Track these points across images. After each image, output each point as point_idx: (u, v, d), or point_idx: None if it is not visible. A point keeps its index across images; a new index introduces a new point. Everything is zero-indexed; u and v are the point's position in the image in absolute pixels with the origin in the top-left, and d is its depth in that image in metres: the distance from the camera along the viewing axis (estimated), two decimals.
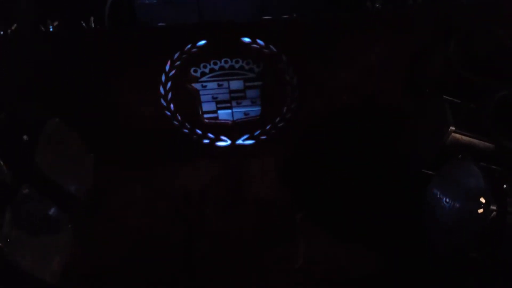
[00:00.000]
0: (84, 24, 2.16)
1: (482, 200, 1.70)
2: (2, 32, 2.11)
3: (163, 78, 2.16)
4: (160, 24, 2.22)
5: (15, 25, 2.13)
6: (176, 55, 2.12)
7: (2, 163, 1.93)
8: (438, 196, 1.91)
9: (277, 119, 2.31)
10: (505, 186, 1.75)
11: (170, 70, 2.15)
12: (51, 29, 2.15)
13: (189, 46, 2.12)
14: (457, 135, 1.93)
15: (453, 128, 1.91)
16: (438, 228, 1.90)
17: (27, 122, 2.04)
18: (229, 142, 2.34)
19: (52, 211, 2.03)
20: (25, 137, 2.00)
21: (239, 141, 2.34)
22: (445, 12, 2.20)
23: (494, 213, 1.69)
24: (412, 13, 2.25)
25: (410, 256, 2.01)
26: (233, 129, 2.32)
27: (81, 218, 2.14)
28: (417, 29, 2.21)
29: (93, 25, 2.17)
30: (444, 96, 2.05)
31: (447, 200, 1.88)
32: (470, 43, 2.17)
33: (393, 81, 2.29)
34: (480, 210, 1.70)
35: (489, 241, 1.75)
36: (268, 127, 2.32)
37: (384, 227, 2.09)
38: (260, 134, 2.33)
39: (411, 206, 2.01)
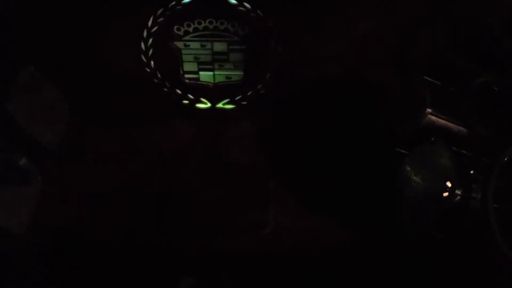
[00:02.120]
0: None
1: (448, 184, 1.76)
2: None
3: (145, 33, 2.09)
4: None
5: None
6: (159, 11, 2.04)
7: None
8: (409, 175, 1.96)
9: (259, 85, 2.28)
10: (472, 172, 1.80)
11: (152, 26, 2.07)
12: None
13: (173, 2, 2.04)
14: (433, 117, 1.95)
15: (430, 110, 1.93)
16: (406, 206, 1.96)
17: (1, 70, 1.97)
18: (209, 104, 2.32)
19: (22, 161, 2.00)
20: None
21: (219, 105, 2.32)
22: None
23: (459, 197, 1.75)
24: None
25: (380, 230, 2.06)
26: (213, 92, 2.29)
27: (52, 170, 2.12)
28: (406, 7, 2.18)
29: None
30: (425, 77, 2.05)
31: (417, 179, 1.93)
32: (457, 27, 2.16)
33: (379, 57, 2.28)
34: (445, 194, 1.75)
35: (452, 223, 1.82)
36: (249, 93, 2.29)
37: (357, 200, 2.14)
38: (241, 99, 2.30)
39: (384, 182, 2.06)
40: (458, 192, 1.75)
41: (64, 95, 2.20)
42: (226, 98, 2.30)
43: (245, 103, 2.31)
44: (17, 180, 2.00)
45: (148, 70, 2.17)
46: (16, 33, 2.11)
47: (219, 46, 2.16)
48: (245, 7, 2.09)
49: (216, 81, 2.27)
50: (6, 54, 2.06)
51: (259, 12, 2.11)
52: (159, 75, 2.20)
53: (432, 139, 1.92)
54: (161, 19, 2.06)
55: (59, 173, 2.16)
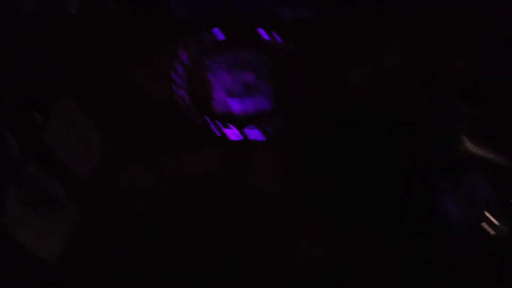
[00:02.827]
0: (104, 6, 2.16)
1: (488, 215, 1.68)
2: (24, 12, 2.12)
3: (177, 64, 2.15)
4: (179, 9, 2.21)
5: (37, 5, 2.13)
6: (192, 43, 2.11)
7: (10, 138, 1.95)
8: (445, 205, 1.89)
9: (288, 114, 2.29)
10: None
11: (184, 56, 2.13)
12: (70, 11, 2.15)
13: (205, 34, 2.11)
14: (470, 146, 1.89)
15: (466, 139, 1.88)
16: (443, 239, 1.88)
17: (39, 100, 2.06)
18: (237, 132, 2.33)
19: (56, 189, 2.05)
20: (35, 113, 2.02)
21: (248, 133, 2.33)
22: (469, 18, 2.14)
23: (500, 229, 1.66)
24: (435, 17, 2.20)
25: (414, 264, 1.98)
26: (242, 120, 2.31)
27: (85, 197, 2.16)
28: (439, 33, 2.15)
29: (113, 7, 2.16)
30: (460, 104, 2.00)
31: (454, 210, 1.86)
32: (493, 52, 2.11)
33: (409, 84, 2.24)
34: (486, 226, 1.68)
35: (493, 257, 1.73)
36: (277, 122, 2.30)
37: (391, 232, 2.06)
38: (269, 128, 2.31)
39: (418, 213, 1.99)
40: (499, 224, 1.66)
41: (97, 123, 2.26)
42: (254, 126, 2.32)
43: (273, 131, 2.31)
44: (51, 208, 2.04)
45: (179, 99, 2.22)
46: (51, 63, 2.20)
47: (249, 76, 2.20)
48: (274, 38, 2.13)
49: (244, 110, 2.29)
50: (42, 85, 2.15)
51: (288, 42, 2.15)
52: (189, 104, 2.24)
53: (469, 168, 1.86)
54: (193, 50, 2.12)
55: (90, 201, 2.20)
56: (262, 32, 2.14)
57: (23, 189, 1.91)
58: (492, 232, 1.67)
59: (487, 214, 1.69)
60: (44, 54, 2.17)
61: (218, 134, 2.30)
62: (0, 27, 2.13)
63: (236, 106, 2.27)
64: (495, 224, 1.67)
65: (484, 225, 1.69)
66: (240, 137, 2.32)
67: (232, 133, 2.32)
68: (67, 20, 2.24)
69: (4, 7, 2.12)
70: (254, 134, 2.32)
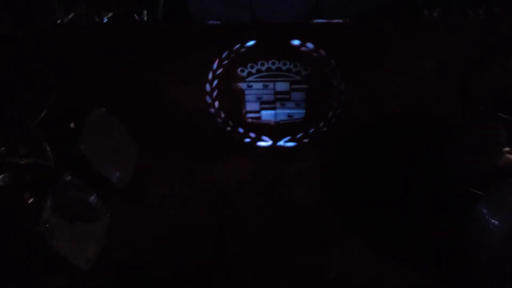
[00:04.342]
0: (137, 16, 2.20)
1: None
2: (60, 21, 2.17)
3: (210, 75, 2.17)
4: (211, 21, 2.23)
5: (72, 14, 2.18)
6: (224, 54, 2.12)
7: (47, 148, 1.99)
8: (486, 218, 1.83)
9: (321, 124, 2.27)
10: None
11: (217, 68, 2.15)
12: (105, 20, 2.19)
13: (238, 45, 2.12)
14: (510, 156, 1.84)
15: (507, 149, 1.83)
16: (484, 252, 1.82)
17: (75, 110, 2.09)
18: (270, 142, 2.32)
19: (91, 199, 2.07)
20: (71, 124, 2.06)
21: (281, 143, 2.32)
22: (506, 26, 2.09)
23: None
24: (471, 25, 2.16)
25: (451, 276, 1.93)
26: (275, 130, 2.30)
27: (119, 207, 2.18)
28: (475, 41, 2.11)
29: (145, 18, 2.20)
30: (499, 114, 1.96)
31: (496, 223, 1.80)
32: None
33: (445, 93, 2.20)
34: None
35: None
36: (311, 131, 2.28)
37: (425, 244, 2.02)
38: (302, 137, 2.30)
39: (455, 225, 1.94)
40: None
41: (132, 134, 2.28)
42: (287, 136, 2.30)
43: (306, 141, 2.30)
44: (86, 217, 2.07)
45: (212, 110, 2.23)
46: (89, 76, 2.25)
47: (281, 86, 2.20)
48: (307, 47, 2.12)
49: (277, 120, 2.28)
50: (78, 95, 2.20)
51: (321, 51, 2.13)
52: (223, 115, 2.25)
53: (510, 179, 1.80)
54: (225, 61, 2.14)
55: (125, 210, 2.22)
56: (295, 41, 2.13)
57: (59, 198, 1.94)
58: None
59: None
60: (80, 65, 2.21)
61: (251, 144, 2.30)
62: (35, 37, 2.18)
63: (269, 116, 2.27)
64: None
65: None
66: (273, 148, 2.31)
67: (265, 144, 2.32)
68: (102, 30, 2.29)
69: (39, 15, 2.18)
70: (288, 144, 2.31)
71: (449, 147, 2.17)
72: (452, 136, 2.17)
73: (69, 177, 1.98)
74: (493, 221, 1.80)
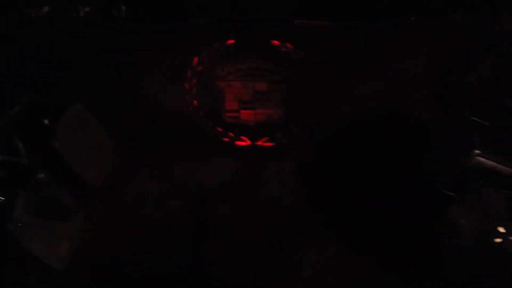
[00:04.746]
0: (115, 12, 2.16)
1: (501, 229, 1.67)
2: (33, 15, 2.11)
3: (189, 73, 2.15)
4: (191, 19, 2.20)
5: (47, 8, 2.13)
6: (204, 52, 2.11)
7: (21, 145, 1.94)
8: (457, 219, 1.88)
9: (299, 124, 2.28)
10: None
11: (197, 66, 2.13)
12: (82, 15, 2.14)
13: (218, 44, 2.10)
14: (482, 159, 1.89)
15: (478, 152, 1.87)
16: (454, 252, 1.87)
17: (49, 107, 2.05)
18: (248, 142, 2.33)
19: (66, 197, 2.03)
20: (46, 121, 2.01)
21: (259, 143, 2.32)
22: (482, 30, 2.15)
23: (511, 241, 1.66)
24: (448, 28, 2.20)
25: (424, 275, 1.97)
26: (254, 130, 2.30)
27: (94, 206, 2.15)
28: (452, 45, 2.16)
29: (124, 14, 2.16)
30: (473, 117, 2.00)
31: (466, 224, 1.85)
32: (506, 64, 2.12)
33: (421, 96, 2.25)
34: (498, 240, 1.67)
35: (505, 271, 1.72)
36: (289, 131, 2.30)
37: (401, 244, 2.05)
38: (280, 137, 2.31)
39: (428, 225, 1.99)
40: (509, 235, 1.66)
41: (109, 132, 2.25)
42: (266, 136, 2.31)
43: (284, 141, 2.31)
44: (60, 216, 2.03)
45: (191, 108, 2.22)
46: (63, 71, 2.20)
47: (261, 86, 2.20)
48: (287, 47, 2.13)
49: (256, 119, 2.28)
50: (55, 93, 2.14)
51: (300, 52, 2.14)
52: (201, 114, 2.24)
53: (482, 181, 1.85)
54: (205, 59, 2.12)
55: (101, 209, 2.18)
56: (274, 41, 2.14)
57: (32, 196, 1.89)
58: (503, 244, 1.66)
59: (498, 226, 1.67)
60: (56, 61, 2.16)
61: (230, 144, 2.30)
62: (9, 31, 2.12)
63: (248, 116, 2.27)
64: (504, 235, 1.66)
65: (495, 237, 1.67)
66: (252, 147, 2.31)
67: (244, 143, 2.32)
68: (79, 26, 2.24)
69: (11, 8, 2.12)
70: (266, 144, 2.32)
71: (424, 149, 2.21)
72: (427, 138, 2.21)
73: (43, 175, 1.94)
74: (463, 222, 1.85)
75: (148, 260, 2.09)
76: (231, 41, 2.11)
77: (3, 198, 1.83)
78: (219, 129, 2.28)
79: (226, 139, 2.30)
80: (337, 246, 2.12)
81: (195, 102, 2.21)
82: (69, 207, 2.06)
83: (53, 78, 2.16)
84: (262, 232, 2.16)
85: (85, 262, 2.05)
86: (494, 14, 2.19)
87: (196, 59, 2.11)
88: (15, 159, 1.95)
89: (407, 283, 2.00)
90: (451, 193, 1.98)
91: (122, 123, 2.25)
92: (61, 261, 1.98)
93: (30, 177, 1.91)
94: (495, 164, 1.88)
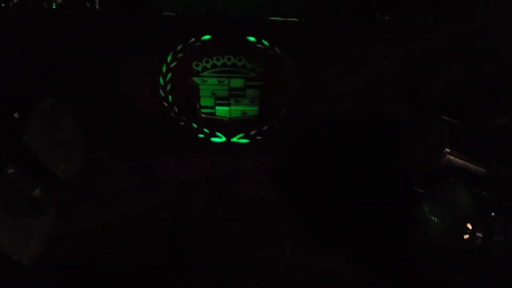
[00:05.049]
0: (88, 4, 2.12)
1: (469, 226, 1.71)
2: (3, 5, 2.06)
3: (164, 68, 2.13)
4: (166, 13, 2.18)
5: None
6: (179, 47, 2.09)
7: None
8: (427, 215, 1.92)
9: (274, 121, 2.30)
10: (493, 214, 1.76)
11: (171, 61, 2.12)
12: (54, 7, 2.10)
13: (193, 39, 2.09)
14: (452, 157, 1.93)
15: (448, 150, 1.91)
16: (424, 247, 1.90)
17: (20, 100, 2.00)
18: (224, 139, 2.32)
19: (36, 192, 2.00)
20: (15, 114, 1.97)
21: (234, 139, 2.32)
22: (454, 31, 2.19)
23: (480, 240, 1.69)
24: (420, 29, 2.23)
25: (396, 271, 2.00)
26: (229, 127, 2.30)
27: (65, 202, 2.11)
28: (424, 45, 2.19)
29: (97, 6, 2.13)
30: (443, 116, 2.04)
31: (436, 221, 1.89)
32: (476, 66, 2.16)
33: (395, 95, 2.28)
34: (466, 236, 1.70)
35: (473, 267, 1.76)
36: (264, 128, 2.30)
37: (373, 239, 2.09)
38: (255, 134, 2.31)
39: (400, 221, 2.02)
40: (479, 234, 1.69)
41: (81, 126, 2.21)
42: (241, 133, 2.31)
43: (260, 138, 2.31)
44: (30, 211, 1.99)
45: (166, 104, 2.20)
46: (37, 65, 2.15)
47: (236, 82, 2.20)
48: (263, 44, 2.13)
49: (232, 116, 2.28)
50: (25, 86, 2.10)
51: (276, 49, 2.15)
52: (176, 110, 2.23)
53: (451, 179, 1.89)
54: (180, 54, 2.11)
55: (73, 205, 2.15)
56: (250, 37, 2.13)
57: (2, 191, 1.85)
58: (470, 241, 1.70)
59: (466, 223, 1.71)
60: (26, 54, 2.11)
61: (204, 140, 2.29)
62: None
63: (223, 112, 2.26)
64: (473, 233, 1.69)
65: (462, 233, 1.71)
66: (227, 144, 2.31)
67: (219, 140, 2.31)
68: (51, 17, 2.19)
69: None
70: (241, 141, 2.32)
71: (396, 146, 2.25)
72: (400, 136, 2.25)
73: (12, 170, 1.90)
74: (434, 218, 1.89)
75: (121, 256, 2.07)
76: (207, 36, 2.10)
77: None
78: (194, 125, 2.27)
79: (201, 135, 2.29)
80: (311, 241, 2.14)
81: (170, 97, 2.19)
82: (39, 202, 2.02)
83: (23, 71, 2.11)
84: (237, 228, 2.16)
85: (55, 259, 2.02)
86: (466, 15, 2.23)
87: (171, 54, 2.09)
88: None
89: (379, 278, 2.03)
90: (422, 190, 2.03)
91: (95, 117, 2.22)
92: (31, 258, 1.94)
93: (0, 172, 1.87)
94: (464, 162, 1.93)
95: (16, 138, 1.93)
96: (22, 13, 2.12)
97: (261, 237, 2.15)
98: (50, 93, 2.06)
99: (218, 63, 2.14)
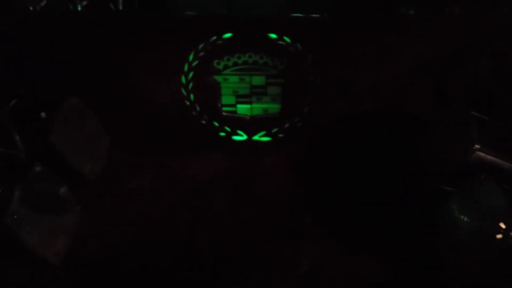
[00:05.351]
0: (112, 6, 2.16)
1: (502, 225, 1.64)
2: (31, 8, 2.12)
3: (186, 67, 2.14)
4: (188, 12, 2.20)
5: (44, 1, 2.14)
6: (200, 46, 2.10)
7: (17, 138, 1.94)
8: (456, 214, 1.85)
9: (296, 119, 2.27)
10: None
11: (193, 60, 2.13)
12: (79, 9, 2.15)
13: (214, 37, 2.10)
14: (481, 154, 1.86)
15: (478, 146, 1.84)
16: (452, 247, 1.84)
17: (47, 100, 2.05)
18: (245, 137, 2.32)
19: (62, 191, 2.03)
20: (42, 114, 2.01)
21: (255, 137, 2.31)
22: (480, 25, 2.12)
23: (510, 236, 1.63)
24: (446, 23, 2.18)
25: (421, 271, 1.95)
26: (250, 125, 2.29)
27: (90, 200, 2.14)
28: (450, 40, 2.13)
29: (121, 7, 2.16)
30: (472, 112, 1.98)
31: (465, 219, 1.82)
32: (503, 60, 2.09)
33: (419, 90, 2.23)
34: (499, 235, 1.64)
35: (505, 268, 1.70)
36: (286, 126, 2.29)
37: (397, 239, 2.03)
38: (277, 132, 2.30)
39: (426, 220, 1.97)
40: (509, 231, 1.63)
41: (105, 126, 2.25)
42: (262, 131, 2.30)
43: (281, 136, 2.29)
44: (56, 209, 2.02)
45: (188, 103, 2.21)
46: (63, 65, 2.20)
47: (258, 80, 2.19)
48: (284, 41, 2.12)
49: (253, 114, 2.27)
50: (51, 86, 2.15)
51: (298, 46, 2.13)
52: (198, 108, 2.23)
53: (482, 176, 1.82)
54: (202, 53, 2.12)
55: (94, 203, 2.18)
56: (272, 35, 2.12)
57: (28, 189, 1.89)
58: (501, 239, 1.63)
59: (499, 222, 1.65)
60: (53, 55, 2.16)
61: (226, 138, 2.29)
62: (6, 24, 2.12)
63: (244, 110, 2.26)
64: (505, 231, 1.63)
65: (494, 232, 1.65)
66: (248, 142, 2.30)
67: (240, 138, 2.31)
68: (76, 19, 2.24)
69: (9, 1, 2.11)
70: (262, 139, 2.31)
71: (422, 143, 2.19)
72: (426, 133, 2.19)
73: (39, 168, 1.93)
74: (462, 217, 1.82)
75: (143, 254, 2.08)
76: (228, 35, 2.10)
77: None
78: (216, 124, 2.27)
79: (222, 134, 2.29)
80: (333, 241, 2.10)
81: (192, 96, 2.20)
82: (65, 200, 2.06)
83: (50, 71, 2.17)
84: (257, 226, 2.15)
85: (81, 257, 2.05)
86: (492, 9, 2.17)
87: (192, 53, 2.11)
88: (12, 152, 1.95)
89: (404, 278, 1.98)
90: (450, 189, 1.96)
91: (118, 117, 2.26)
92: (57, 255, 1.97)
93: (26, 170, 1.90)
94: (494, 158, 1.86)
95: (43, 137, 1.97)
96: (48, 15, 2.18)
97: (281, 235, 2.12)
98: (76, 93, 2.10)
99: (239, 61, 2.14)
